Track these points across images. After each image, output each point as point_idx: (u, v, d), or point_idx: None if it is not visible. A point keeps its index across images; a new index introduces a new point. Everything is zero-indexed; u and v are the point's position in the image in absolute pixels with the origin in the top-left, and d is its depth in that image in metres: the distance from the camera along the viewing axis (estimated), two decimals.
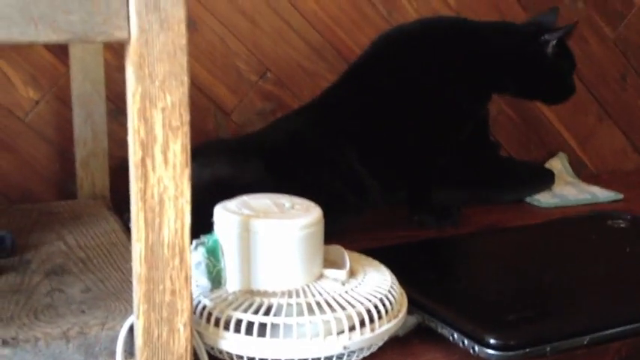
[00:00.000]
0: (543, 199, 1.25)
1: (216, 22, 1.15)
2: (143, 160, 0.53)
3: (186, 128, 0.54)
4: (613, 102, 1.45)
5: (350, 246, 0.75)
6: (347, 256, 0.70)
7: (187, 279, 0.55)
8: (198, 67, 1.15)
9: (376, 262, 0.73)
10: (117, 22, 0.51)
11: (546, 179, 1.29)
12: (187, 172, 0.54)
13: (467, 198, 1.17)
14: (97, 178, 1.03)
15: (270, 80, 1.20)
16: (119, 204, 0.97)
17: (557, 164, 1.41)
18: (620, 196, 1.28)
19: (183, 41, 0.52)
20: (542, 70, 1.07)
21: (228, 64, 1.17)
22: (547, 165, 1.40)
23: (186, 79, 0.53)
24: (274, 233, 0.63)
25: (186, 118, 0.54)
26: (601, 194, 1.28)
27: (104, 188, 1.03)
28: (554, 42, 1.04)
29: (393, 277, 0.71)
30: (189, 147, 0.54)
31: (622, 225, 0.97)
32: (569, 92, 1.12)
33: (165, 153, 0.53)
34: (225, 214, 0.65)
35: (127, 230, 0.82)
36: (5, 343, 0.58)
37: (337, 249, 0.71)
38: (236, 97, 1.19)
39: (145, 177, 0.53)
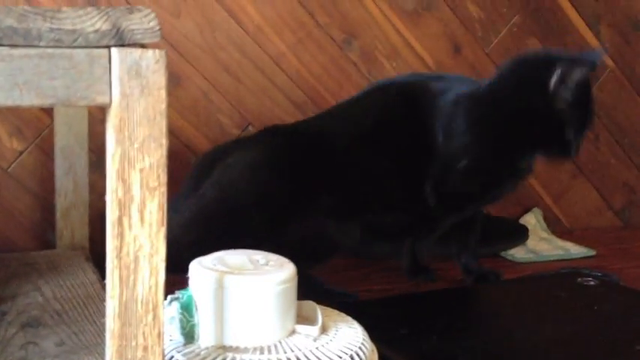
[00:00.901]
0: (518, 254, 1.27)
1: (200, 78, 1.18)
2: (120, 219, 0.55)
3: (164, 188, 0.56)
4: (587, 160, 1.49)
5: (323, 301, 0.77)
6: (319, 312, 0.71)
7: (160, 335, 0.56)
8: (181, 121, 1.17)
9: (348, 318, 0.75)
10: (99, 87, 0.53)
11: (520, 235, 1.31)
12: (163, 230, 0.56)
13: (443, 252, 1.19)
14: (76, 229, 1.04)
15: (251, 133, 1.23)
16: (98, 254, 0.98)
17: (532, 219, 1.44)
18: (593, 252, 1.30)
19: (163, 106, 0.55)
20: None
21: (211, 118, 1.20)
22: (522, 220, 1.43)
23: (164, 141, 0.56)
24: (248, 290, 0.65)
25: (164, 178, 0.56)
26: (574, 250, 1.31)
27: (83, 239, 1.04)
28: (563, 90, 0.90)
29: (365, 333, 0.72)
30: (165, 206, 0.56)
31: (591, 283, 0.99)
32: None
33: (141, 212, 0.55)
34: (200, 270, 0.66)
35: (105, 282, 0.83)
36: None
37: (310, 305, 0.73)
38: None
39: (121, 235, 0.55)
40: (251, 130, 1.22)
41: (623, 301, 0.94)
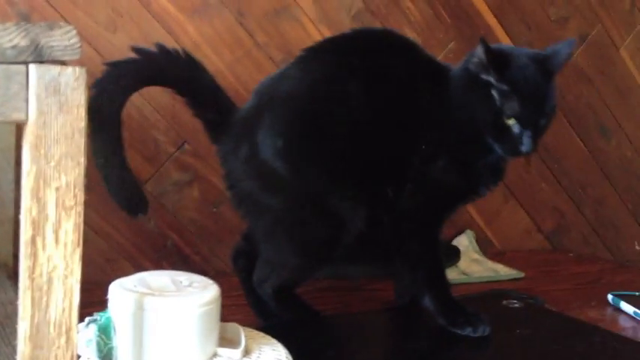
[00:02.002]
0: (449, 275, 1.28)
1: (135, 95, 1.16)
2: (33, 239, 0.53)
3: (80, 208, 0.55)
4: (518, 184, 1.53)
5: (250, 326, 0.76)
6: (243, 334, 0.71)
7: (73, 359, 0.55)
8: None
9: (273, 340, 0.75)
10: (16, 104, 0.52)
11: (452, 256, 1.34)
12: (79, 251, 0.55)
13: (373, 273, 1.20)
14: (1, 246, 1.01)
15: (187, 152, 1.22)
16: None
17: (465, 241, 1.46)
18: (522, 274, 1.33)
19: (82, 124, 0.54)
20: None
21: (145, 135, 1.18)
22: (455, 241, 1.45)
23: (82, 160, 0.55)
24: (168, 312, 0.64)
25: (81, 198, 0.55)
26: (503, 272, 1.34)
27: (7, 256, 1.01)
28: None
29: (289, 355, 0.72)
30: (82, 226, 0.55)
31: (516, 305, 1.02)
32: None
33: (56, 232, 0.54)
34: (120, 291, 0.65)
35: None
36: None
37: (234, 327, 0.73)
38: (152, 167, 1.20)
39: (34, 255, 0.53)
40: (187, 148, 1.22)
41: (546, 325, 0.97)
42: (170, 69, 0.94)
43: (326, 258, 0.94)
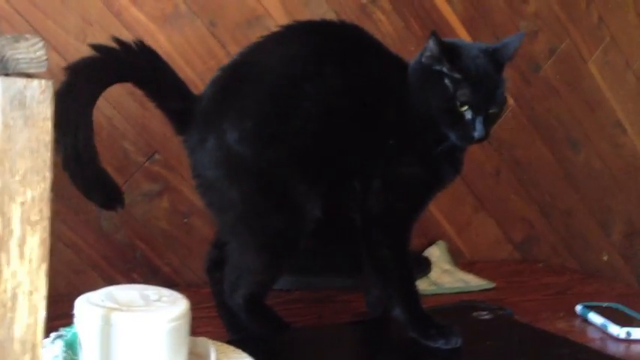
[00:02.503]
0: (421, 285, 1.29)
1: (104, 103, 1.15)
2: None
3: (46, 223, 0.54)
4: (488, 195, 1.55)
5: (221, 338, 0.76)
6: (213, 350, 0.70)
7: None
8: None
9: (244, 354, 0.74)
10: None
11: (423, 267, 1.34)
12: (44, 266, 0.54)
13: (344, 284, 1.20)
14: None
15: (157, 162, 1.21)
16: None
17: (436, 252, 1.47)
18: (492, 284, 1.34)
19: (48, 138, 0.53)
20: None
21: (115, 145, 1.17)
22: (427, 252, 1.46)
23: (48, 174, 0.54)
24: (136, 327, 0.63)
25: (47, 212, 0.54)
26: (474, 282, 1.35)
27: None
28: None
29: None
30: (48, 241, 0.54)
31: (486, 317, 1.02)
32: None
33: (21, 247, 0.53)
34: (87, 306, 0.64)
35: None
36: None
37: (204, 341, 0.72)
38: (122, 177, 1.18)
39: None
40: (157, 158, 1.20)
41: (516, 336, 0.98)
42: (130, 62, 0.93)
43: (288, 253, 0.93)
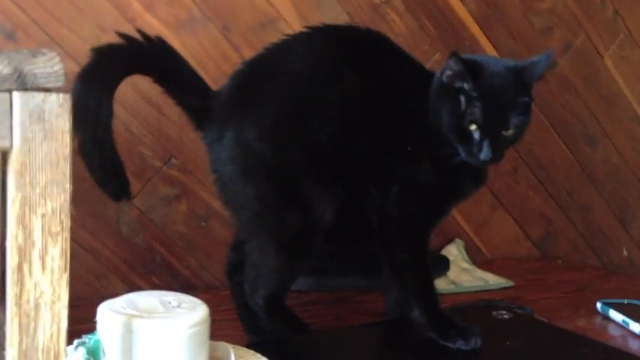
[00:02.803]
0: (439, 285, 1.29)
1: (120, 109, 1.16)
2: (20, 266, 0.53)
3: (67, 234, 0.55)
4: (506, 193, 1.54)
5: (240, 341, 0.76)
6: (233, 354, 0.71)
7: None
8: None
9: (263, 358, 0.75)
10: (0, 131, 0.52)
11: (442, 266, 1.34)
12: (66, 276, 0.55)
13: (362, 285, 1.20)
14: None
15: (175, 166, 1.22)
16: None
17: (454, 250, 1.47)
18: (511, 283, 1.34)
19: (67, 150, 0.54)
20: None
21: (132, 150, 1.18)
22: (444, 251, 1.46)
23: (68, 185, 0.55)
24: (157, 334, 0.64)
25: (67, 223, 0.55)
26: (492, 281, 1.34)
27: None
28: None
29: None
30: (68, 251, 0.55)
31: (505, 316, 1.02)
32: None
33: (43, 258, 0.54)
34: (109, 313, 0.65)
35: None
36: None
37: (224, 346, 0.72)
38: (140, 182, 1.19)
39: (21, 282, 0.53)
40: (174, 162, 1.21)
41: (536, 336, 0.97)
42: (152, 56, 0.94)
43: (304, 252, 0.94)
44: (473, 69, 0.88)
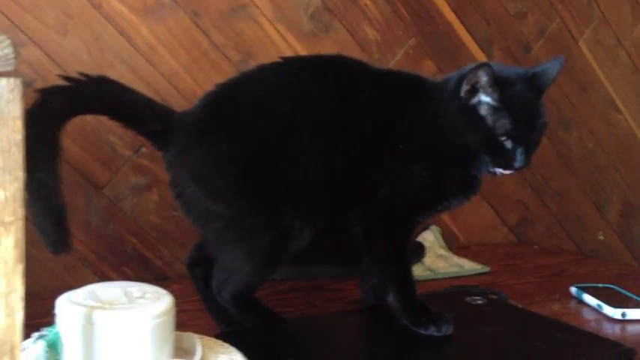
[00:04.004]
0: (415, 271, 1.28)
1: None
2: None
3: (21, 223, 0.53)
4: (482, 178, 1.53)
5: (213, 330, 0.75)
6: (199, 345, 0.69)
7: None
8: (68, 142, 1.12)
9: (231, 349, 0.73)
10: None
11: (417, 253, 1.34)
12: (20, 267, 0.53)
13: (335, 272, 1.19)
14: None
15: (145, 155, 1.20)
16: None
17: (430, 237, 1.47)
18: (487, 269, 1.34)
19: (19, 137, 0.52)
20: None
21: (101, 139, 1.16)
22: (420, 237, 1.45)
23: (21, 174, 0.53)
24: (118, 325, 0.62)
25: (21, 213, 0.53)
26: (468, 267, 1.34)
27: None
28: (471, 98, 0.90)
29: None
30: (23, 242, 0.53)
31: (479, 302, 1.01)
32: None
33: None
34: (68, 305, 0.63)
35: None
36: None
37: (190, 337, 0.71)
38: (109, 171, 1.17)
39: None
40: (144, 151, 1.19)
41: (509, 321, 0.97)
42: (98, 96, 0.91)
43: (277, 261, 0.93)
44: (500, 80, 0.88)
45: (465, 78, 0.89)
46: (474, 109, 0.89)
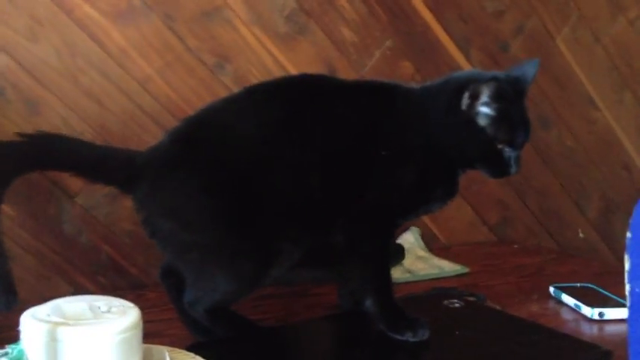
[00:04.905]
0: (395, 274, 1.28)
1: (59, 104, 1.13)
2: None
3: None
4: (461, 178, 1.53)
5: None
6: (168, 357, 0.68)
7: None
8: None
9: None
10: None
11: (397, 255, 1.33)
12: None
13: (314, 276, 1.18)
14: None
15: None
16: None
17: (410, 238, 1.46)
18: (466, 269, 1.33)
19: None
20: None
21: None
22: (400, 239, 1.44)
23: None
24: (83, 342, 0.61)
25: None
26: (448, 268, 1.34)
27: None
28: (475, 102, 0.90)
29: None
30: None
31: (457, 305, 1.01)
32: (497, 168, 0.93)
33: None
34: (32, 321, 0.62)
35: None
36: None
37: (160, 350, 0.70)
38: (82, 179, 1.15)
39: None
40: None
41: (486, 324, 0.96)
42: (58, 152, 0.91)
43: (258, 285, 0.92)
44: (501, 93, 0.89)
45: (464, 89, 0.90)
46: (474, 120, 0.90)
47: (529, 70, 0.95)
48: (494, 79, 0.89)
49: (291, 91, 0.95)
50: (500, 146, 0.90)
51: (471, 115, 0.90)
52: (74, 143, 0.94)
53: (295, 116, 0.92)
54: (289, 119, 0.91)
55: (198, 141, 0.91)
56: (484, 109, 0.90)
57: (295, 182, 0.90)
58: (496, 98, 0.89)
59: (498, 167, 0.93)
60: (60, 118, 1.13)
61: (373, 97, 0.96)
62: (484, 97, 0.89)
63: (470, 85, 0.89)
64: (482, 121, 0.90)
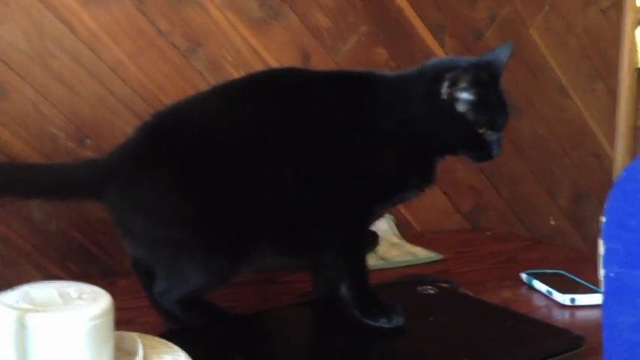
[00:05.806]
0: (369, 261, 1.27)
1: (28, 88, 1.10)
2: None
3: None
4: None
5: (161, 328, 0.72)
6: (140, 345, 0.67)
7: None
8: (8, 135, 1.09)
9: (176, 348, 0.71)
10: None
11: (370, 242, 1.33)
12: None
13: (287, 263, 1.17)
14: None
15: (90, 147, 1.16)
16: None
17: (384, 225, 1.46)
18: (440, 256, 1.34)
19: None
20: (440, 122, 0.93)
21: (42, 131, 1.12)
22: (374, 226, 1.44)
23: None
24: (53, 328, 0.60)
25: None
26: (422, 255, 1.34)
27: None
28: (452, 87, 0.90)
29: None
30: None
31: (430, 291, 1.01)
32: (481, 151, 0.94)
33: None
34: (0, 308, 0.60)
35: None
36: None
37: (132, 337, 0.69)
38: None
39: None
40: (88, 142, 1.16)
41: (459, 310, 0.97)
42: (19, 183, 0.89)
43: (231, 278, 0.92)
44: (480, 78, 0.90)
45: (443, 77, 0.90)
46: (454, 106, 0.90)
47: (502, 53, 0.96)
48: (474, 65, 0.90)
49: (261, 87, 0.94)
50: (481, 130, 0.91)
51: (450, 102, 0.90)
52: (31, 170, 0.91)
53: (267, 113, 0.91)
54: (261, 116, 0.90)
55: (169, 136, 0.89)
56: (464, 95, 0.90)
57: (269, 179, 0.89)
58: (475, 83, 0.89)
59: (481, 151, 0.93)
60: (29, 103, 1.10)
61: (345, 88, 0.95)
62: (463, 83, 0.89)
63: (449, 72, 0.90)
64: (461, 107, 0.90)
